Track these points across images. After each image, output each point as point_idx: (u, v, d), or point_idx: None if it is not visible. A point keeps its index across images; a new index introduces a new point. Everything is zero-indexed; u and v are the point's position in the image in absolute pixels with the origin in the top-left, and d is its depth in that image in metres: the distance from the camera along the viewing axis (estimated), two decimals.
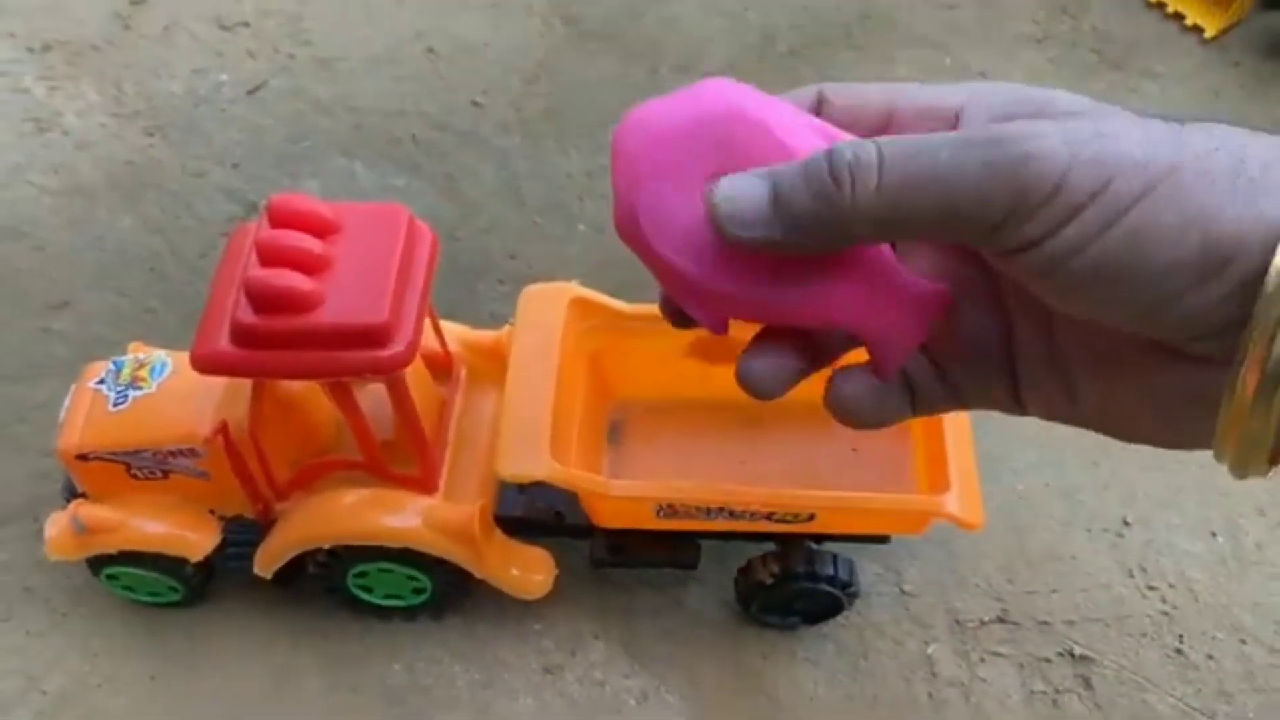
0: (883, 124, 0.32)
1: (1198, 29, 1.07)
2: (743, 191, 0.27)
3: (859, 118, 0.32)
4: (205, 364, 0.56)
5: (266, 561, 0.67)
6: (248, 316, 0.54)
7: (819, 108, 0.32)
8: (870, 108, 0.32)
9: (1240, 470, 0.27)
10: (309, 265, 0.55)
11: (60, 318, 0.89)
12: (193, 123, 1.03)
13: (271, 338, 0.54)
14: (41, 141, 1.01)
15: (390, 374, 0.57)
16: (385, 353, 0.55)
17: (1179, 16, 1.08)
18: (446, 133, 1.02)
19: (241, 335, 0.55)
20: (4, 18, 1.10)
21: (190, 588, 0.71)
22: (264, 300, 0.54)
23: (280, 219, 0.56)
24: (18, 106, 1.04)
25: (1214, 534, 0.75)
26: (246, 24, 1.11)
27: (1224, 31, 1.06)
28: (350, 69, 1.07)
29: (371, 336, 0.55)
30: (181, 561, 0.68)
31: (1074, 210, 0.26)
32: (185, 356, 0.67)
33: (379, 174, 0.99)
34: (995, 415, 0.31)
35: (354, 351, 0.55)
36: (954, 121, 0.30)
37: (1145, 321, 0.27)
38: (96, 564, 0.70)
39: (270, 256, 0.55)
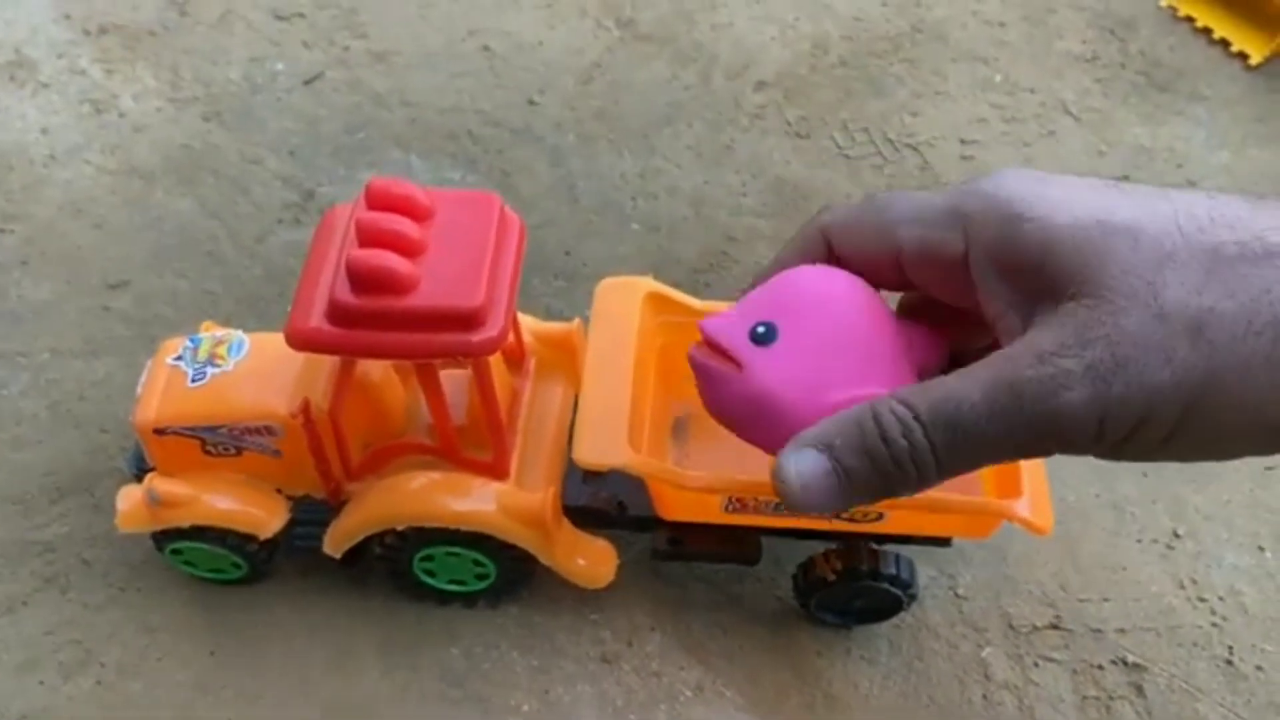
0: (893, 267, 0.35)
1: (1242, 55, 1.08)
2: (810, 470, 0.31)
3: (867, 262, 0.36)
4: (301, 341, 0.56)
5: (338, 540, 0.68)
6: (346, 296, 0.55)
7: (828, 249, 0.37)
8: (874, 250, 0.35)
9: None
10: (406, 248, 0.56)
11: (119, 296, 0.89)
12: (249, 110, 1.04)
13: (368, 317, 0.55)
14: (98, 123, 1.02)
15: (481, 357, 0.58)
16: (477, 337, 0.56)
17: (1225, 43, 1.09)
18: (502, 129, 1.03)
19: (339, 314, 0.55)
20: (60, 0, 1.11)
21: (254, 565, 0.71)
22: (363, 280, 0.55)
23: (378, 201, 0.57)
24: (75, 88, 1.05)
25: (1261, 548, 0.77)
26: (302, 15, 1.12)
27: (1268, 59, 1.07)
28: (405, 63, 1.08)
29: (465, 320, 0.56)
30: (249, 538, 0.69)
31: (1124, 438, 0.28)
32: (261, 337, 0.68)
33: (435, 167, 1.00)
34: None
35: (447, 334, 0.56)
36: (963, 264, 0.32)
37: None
38: (162, 539, 0.70)
39: (370, 238, 0.55)
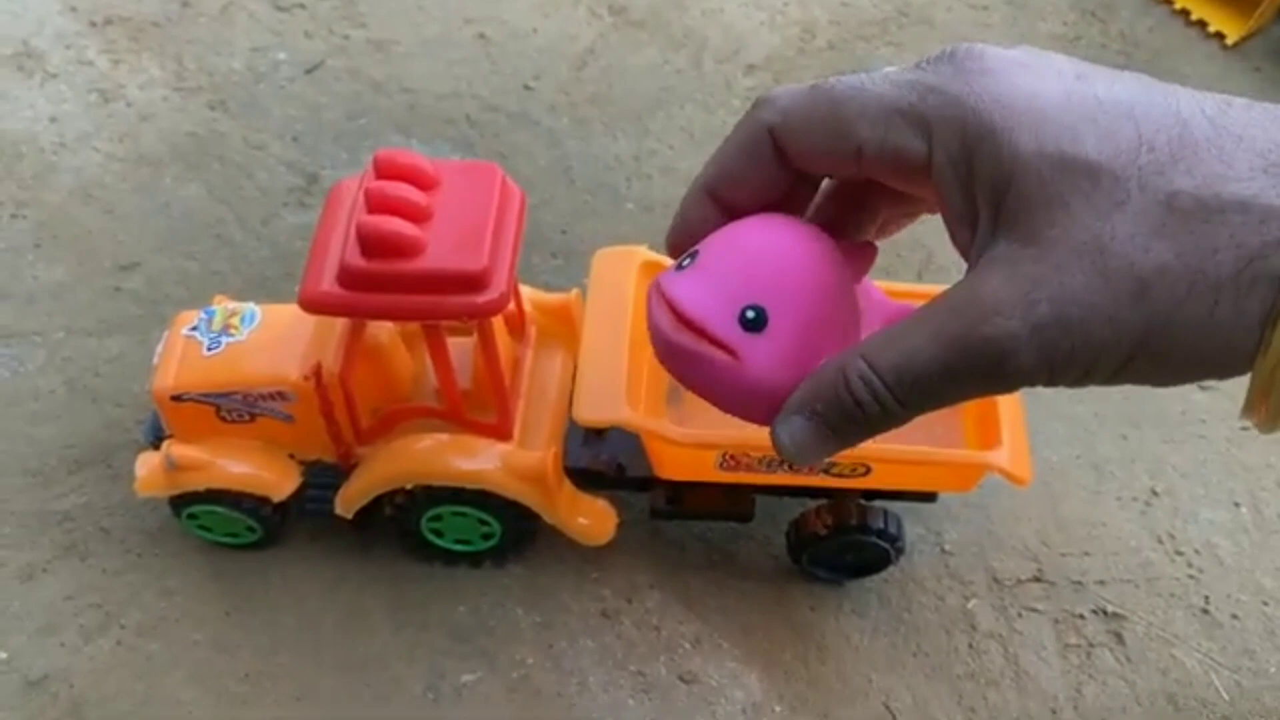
0: (849, 164, 0.33)
1: (1220, 35, 1.11)
2: (802, 435, 0.33)
3: (819, 159, 0.34)
4: (313, 304, 0.59)
5: (349, 501, 0.70)
6: (356, 260, 0.58)
7: (775, 151, 0.34)
8: (827, 149, 0.33)
9: (1269, 427, 0.29)
10: (413, 214, 0.59)
11: (131, 278, 0.92)
12: (253, 98, 1.07)
13: (377, 281, 0.58)
14: (106, 112, 1.05)
15: (485, 318, 0.61)
16: (481, 298, 0.59)
17: (1202, 24, 1.12)
18: (499, 114, 1.05)
19: (349, 278, 0.58)
20: None
21: (267, 528, 0.74)
22: (372, 245, 0.57)
23: (385, 171, 0.60)
24: (82, 78, 1.07)
25: (1237, 504, 0.80)
26: (303, 5, 1.15)
27: (1245, 39, 1.10)
28: (404, 52, 1.11)
29: (470, 282, 0.58)
30: (263, 501, 0.72)
31: (1071, 382, 0.29)
32: (272, 308, 0.71)
33: (434, 151, 1.02)
34: (1027, 391, 0.34)
35: (453, 296, 0.59)
36: (925, 166, 0.31)
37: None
38: (179, 504, 0.73)
39: (378, 204, 0.58)
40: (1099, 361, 0.29)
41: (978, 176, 0.30)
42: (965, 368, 0.29)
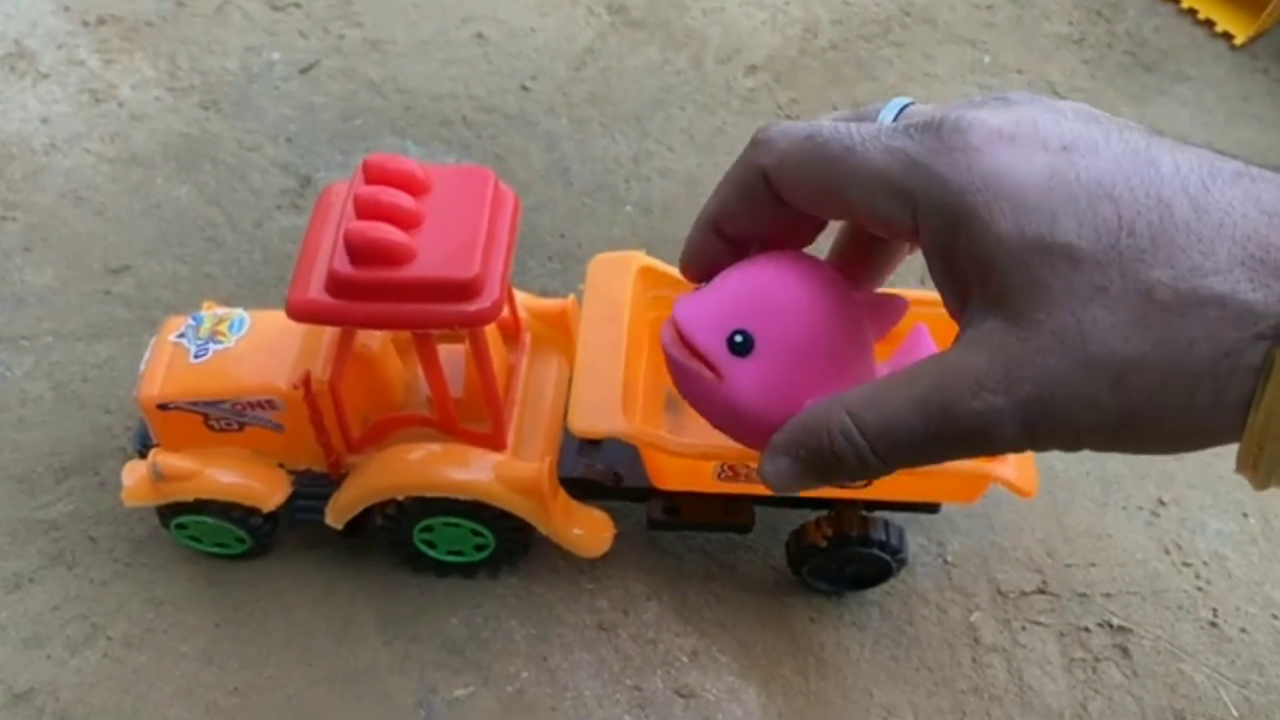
0: (840, 213, 0.35)
1: (1227, 35, 1.10)
2: (786, 473, 0.35)
3: (812, 205, 0.35)
4: (301, 312, 0.58)
5: (339, 512, 0.69)
6: (345, 267, 0.56)
7: (771, 192, 0.36)
8: (819, 200, 0.35)
9: (1262, 488, 0.30)
10: (403, 220, 0.57)
11: (120, 281, 0.91)
12: (247, 99, 1.05)
13: (366, 289, 0.57)
14: (98, 112, 1.03)
15: (476, 327, 0.59)
16: (473, 307, 0.57)
17: (1210, 23, 1.11)
18: (495, 115, 1.04)
19: (338, 285, 0.57)
20: None
21: (257, 539, 0.73)
22: (361, 252, 0.56)
23: (375, 176, 0.59)
24: (74, 78, 1.06)
25: (1245, 515, 0.78)
26: (298, 4, 1.14)
27: (1252, 39, 1.09)
28: (400, 51, 1.10)
29: (461, 290, 0.57)
30: (252, 512, 0.70)
31: (1065, 449, 0.31)
32: (262, 314, 0.70)
33: (430, 153, 1.01)
34: None
35: (444, 304, 0.57)
36: (913, 233, 0.32)
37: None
38: (167, 514, 0.72)
39: (368, 211, 0.57)
40: (1082, 438, 0.30)
41: (962, 256, 0.31)
42: (950, 437, 0.31)
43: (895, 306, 0.41)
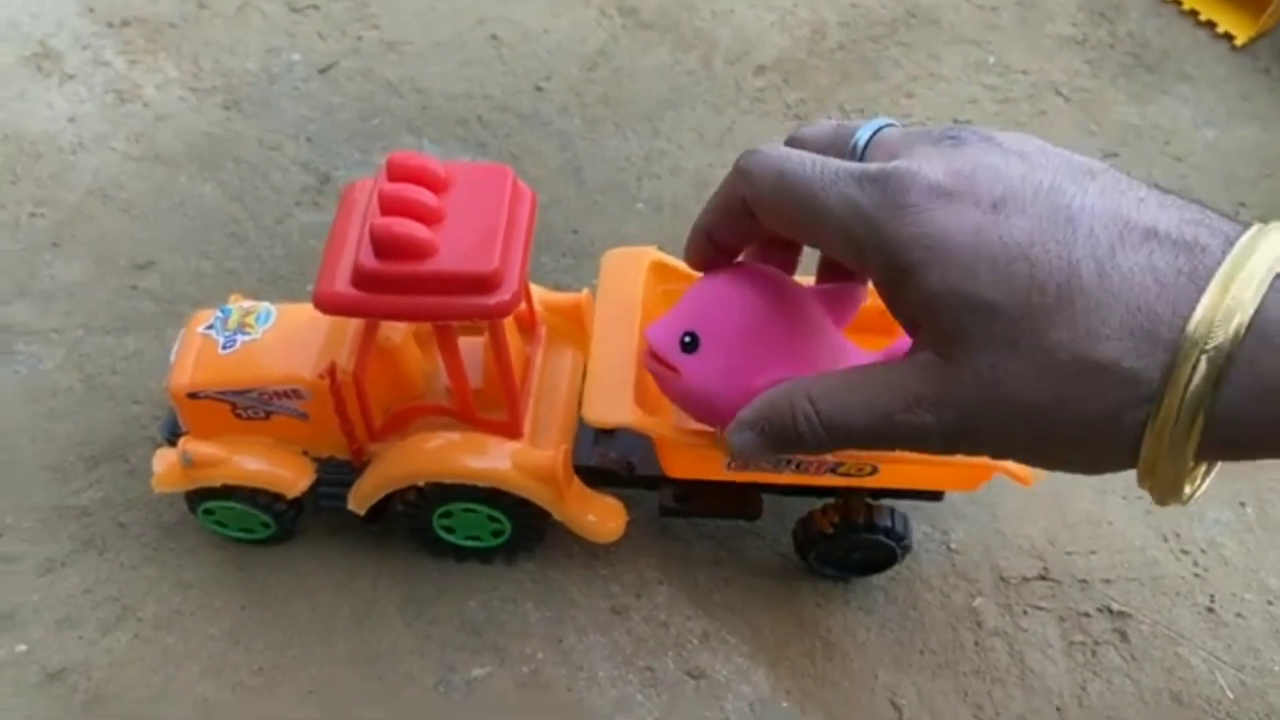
0: (814, 242, 0.42)
1: (1228, 36, 1.11)
2: (750, 444, 0.43)
3: (789, 232, 0.43)
4: (328, 304, 0.60)
5: (361, 498, 0.71)
6: (370, 261, 0.59)
7: (749, 213, 0.44)
8: (793, 231, 0.42)
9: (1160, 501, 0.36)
10: (426, 216, 0.60)
11: (147, 276, 0.93)
12: (267, 99, 1.08)
13: (390, 282, 0.59)
14: (123, 112, 1.06)
15: (496, 319, 0.62)
16: (493, 300, 0.60)
17: (1211, 24, 1.12)
18: (510, 115, 1.06)
19: (363, 279, 0.59)
20: None
21: (282, 524, 0.75)
22: (386, 246, 0.58)
23: (398, 173, 0.61)
24: (100, 78, 1.09)
25: (1243, 504, 0.80)
26: (316, 7, 1.16)
27: (1254, 40, 1.11)
28: (416, 53, 1.12)
29: (481, 284, 0.59)
30: (277, 497, 0.73)
31: (993, 457, 0.39)
32: (287, 307, 0.72)
33: (446, 151, 1.03)
34: None
35: (464, 297, 0.60)
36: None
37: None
38: (195, 499, 0.74)
39: (391, 207, 0.59)
40: (1001, 455, 0.37)
41: (904, 301, 0.37)
42: (888, 437, 0.38)
43: (853, 295, 0.50)
